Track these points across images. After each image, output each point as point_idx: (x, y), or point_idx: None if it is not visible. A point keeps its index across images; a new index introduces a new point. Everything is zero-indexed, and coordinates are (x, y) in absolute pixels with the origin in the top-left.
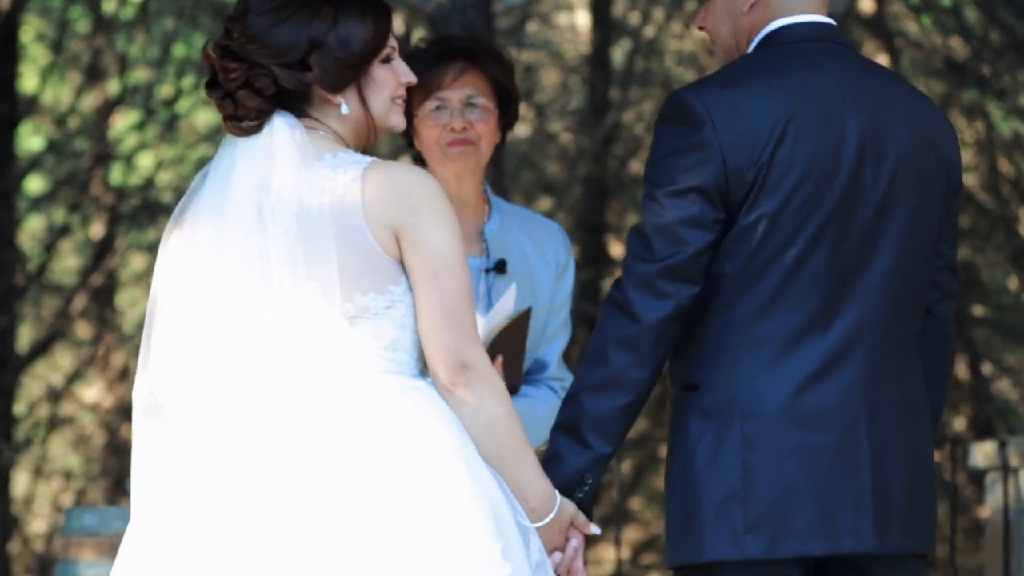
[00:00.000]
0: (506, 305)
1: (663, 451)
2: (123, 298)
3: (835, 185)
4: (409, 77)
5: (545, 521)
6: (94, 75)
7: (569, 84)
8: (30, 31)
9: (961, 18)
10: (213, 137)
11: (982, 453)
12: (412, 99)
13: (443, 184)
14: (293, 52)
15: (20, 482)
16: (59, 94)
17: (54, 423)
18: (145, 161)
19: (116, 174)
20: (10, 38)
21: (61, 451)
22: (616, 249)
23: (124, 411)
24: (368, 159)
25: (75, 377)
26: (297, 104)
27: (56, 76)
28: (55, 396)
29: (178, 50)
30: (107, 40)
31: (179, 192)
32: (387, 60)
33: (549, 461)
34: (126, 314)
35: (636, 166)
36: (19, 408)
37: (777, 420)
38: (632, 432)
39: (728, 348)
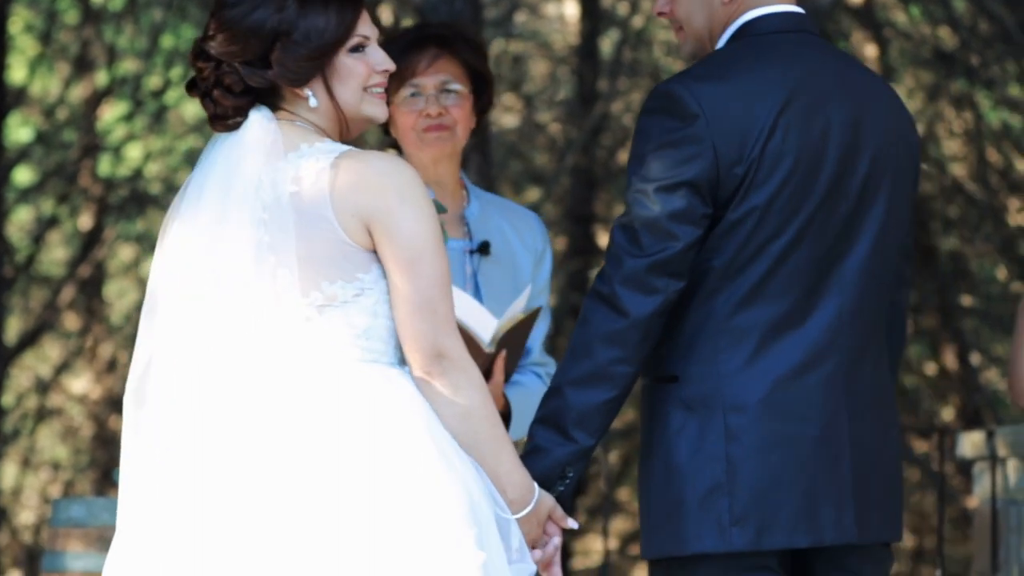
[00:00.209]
0: (518, 306)
1: None
2: (111, 289)
3: (821, 177)
4: (385, 65)
5: (523, 513)
6: (82, 66)
7: (557, 74)
8: (18, 22)
9: (950, 8)
10: (201, 128)
11: (970, 443)
12: (387, 87)
13: (421, 170)
14: (255, 48)
15: (8, 473)
16: (47, 85)
17: (42, 414)
18: (133, 152)
19: (104, 165)
20: None
21: (49, 442)
22: (604, 239)
23: (112, 402)
24: (342, 148)
25: (63, 368)
26: (271, 99)
27: (44, 67)
28: (43, 387)
29: (166, 41)
30: (95, 31)
31: (167, 183)
32: (357, 49)
33: (530, 454)
34: (114, 305)
35: (624, 157)
36: (7, 399)
37: (761, 412)
38: (620, 423)
39: (708, 339)
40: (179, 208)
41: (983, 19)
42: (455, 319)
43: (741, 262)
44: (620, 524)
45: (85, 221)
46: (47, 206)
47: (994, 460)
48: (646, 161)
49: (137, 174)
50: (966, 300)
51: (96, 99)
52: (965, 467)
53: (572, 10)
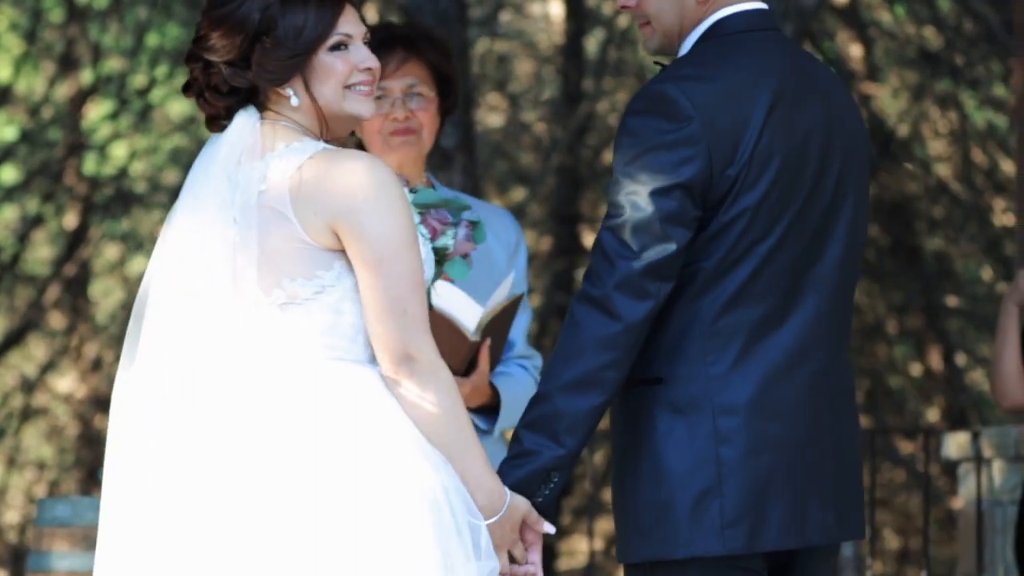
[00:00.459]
0: (502, 293)
1: None
2: (96, 288)
3: (805, 177)
4: (369, 63)
5: (494, 519)
6: (67, 64)
7: (543, 74)
8: (3, 20)
9: (935, 8)
10: (187, 127)
11: (955, 444)
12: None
13: None
14: (239, 46)
15: None
16: (32, 83)
17: (27, 414)
18: (119, 151)
19: (89, 164)
20: None
21: (34, 442)
22: (590, 239)
23: (97, 402)
24: (318, 148)
25: (48, 367)
26: (257, 98)
27: (29, 65)
28: (28, 386)
29: (151, 39)
30: (80, 29)
31: (152, 182)
32: (338, 48)
33: (516, 457)
34: (99, 304)
35: (610, 156)
36: None
37: (751, 414)
38: (605, 424)
39: (695, 341)
40: (174, 210)
41: (968, 19)
42: (426, 319)
43: (728, 264)
44: (605, 525)
45: (70, 220)
46: (32, 205)
47: (979, 461)
48: (636, 163)
49: (122, 173)
50: (951, 301)
51: (81, 98)
52: (950, 468)
53: (557, 9)
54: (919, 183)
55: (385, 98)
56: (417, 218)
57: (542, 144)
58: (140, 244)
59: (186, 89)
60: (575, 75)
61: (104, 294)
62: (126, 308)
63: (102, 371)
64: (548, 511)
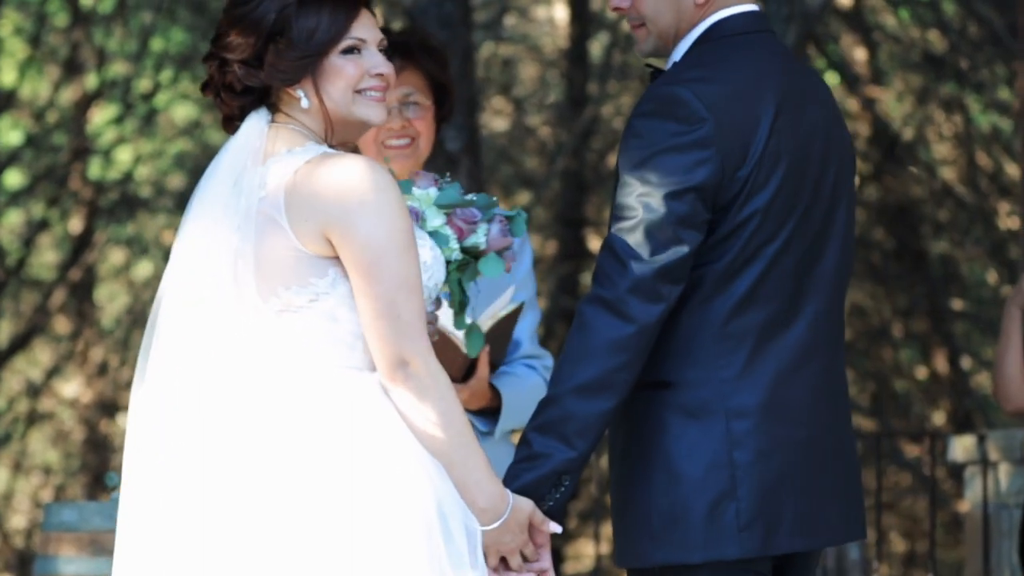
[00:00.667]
0: (500, 304)
1: None
2: (102, 293)
3: (808, 179)
4: (381, 68)
5: (496, 524)
6: (72, 69)
7: (547, 78)
8: (8, 25)
9: (939, 11)
10: (191, 131)
11: (961, 447)
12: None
13: None
14: (255, 44)
15: None
16: (37, 88)
17: (33, 418)
18: (123, 155)
19: (94, 168)
20: None
21: (40, 446)
22: (595, 243)
23: (103, 406)
24: (315, 152)
25: (54, 372)
26: (269, 100)
27: (34, 70)
28: (34, 391)
29: (156, 44)
30: (85, 34)
31: (157, 186)
32: (351, 51)
33: (526, 460)
34: (105, 309)
35: (615, 160)
36: None
37: (762, 417)
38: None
39: (704, 344)
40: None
41: (972, 22)
42: (423, 324)
43: (738, 266)
44: (612, 528)
45: (75, 224)
46: (37, 209)
47: (985, 464)
48: (648, 166)
49: (127, 177)
50: (957, 304)
51: (86, 102)
52: (956, 471)
53: (562, 13)
54: (924, 187)
55: None
56: (443, 219)
57: (547, 148)
58: (145, 248)
59: (204, 88)
60: (580, 79)
61: (109, 298)
62: (131, 312)
63: (108, 375)
64: (557, 514)
